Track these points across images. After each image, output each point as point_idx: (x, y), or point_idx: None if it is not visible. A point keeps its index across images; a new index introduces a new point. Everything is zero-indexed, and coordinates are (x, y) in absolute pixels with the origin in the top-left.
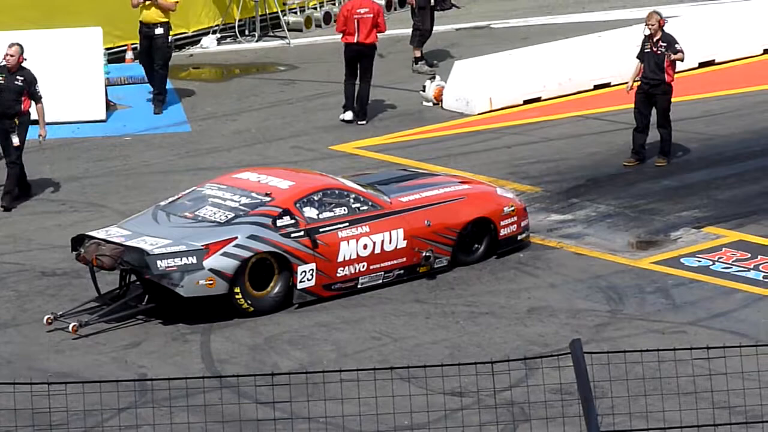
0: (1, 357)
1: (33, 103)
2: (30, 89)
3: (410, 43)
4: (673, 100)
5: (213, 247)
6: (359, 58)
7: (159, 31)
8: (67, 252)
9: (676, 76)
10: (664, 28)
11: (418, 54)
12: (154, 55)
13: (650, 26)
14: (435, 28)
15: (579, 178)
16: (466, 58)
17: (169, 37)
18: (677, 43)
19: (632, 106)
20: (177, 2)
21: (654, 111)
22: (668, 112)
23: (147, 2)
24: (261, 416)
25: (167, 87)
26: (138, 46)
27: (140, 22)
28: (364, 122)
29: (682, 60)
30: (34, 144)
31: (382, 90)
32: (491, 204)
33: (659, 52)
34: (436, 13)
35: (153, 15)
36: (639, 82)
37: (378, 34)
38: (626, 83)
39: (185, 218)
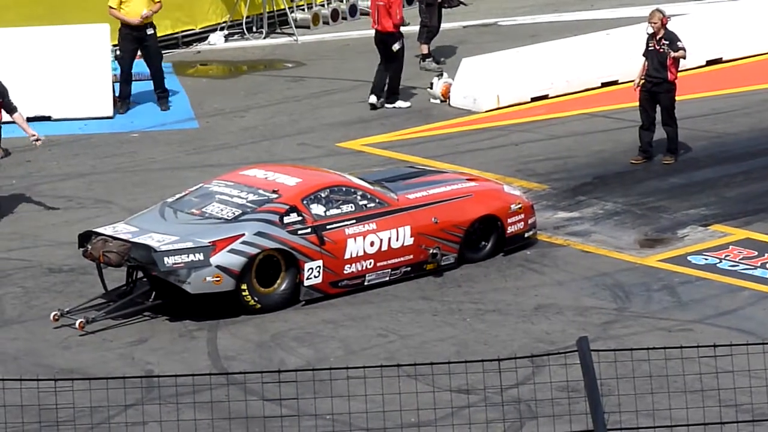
0: (8, 353)
1: (10, 114)
2: (4, 100)
3: (418, 39)
4: (680, 98)
5: (220, 243)
6: (380, 45)
7: (150, 31)
8: (74, 248)
9: (683, 74)
10: (667, 26)
11: (425, 51)
12: (151, 57)
13: (653, 24)
14: (442, 25)
15: (586, 176)
16: (473, 55)
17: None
18: (679, 40)
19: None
20: (161, 1)
21: (659, 109)
22: (673, 110)
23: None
24: (268, 413)
25: (170, 84)
26: (121, 47)
27: (125, 24)
28: (391, 105)
29: (684, 57)
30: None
31: None
32: (498, 201)
33: (662, 50)
34: (443, 10)
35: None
36: (644, 80)
37: (396, 24)
38: (633, 81)
39: (192, 215)
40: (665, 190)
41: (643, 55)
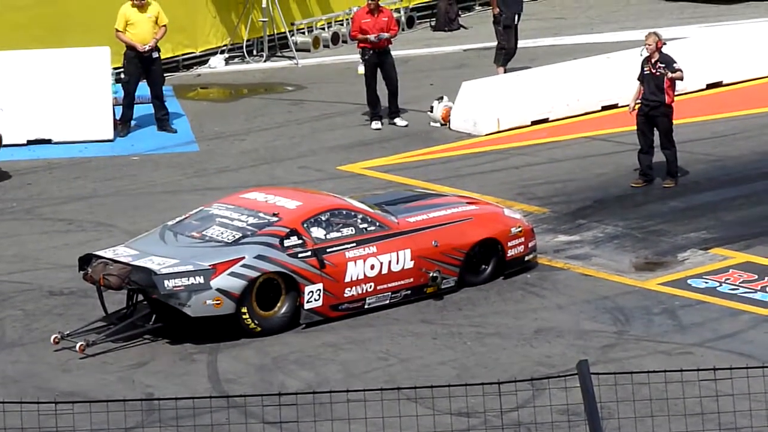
0: (9, 376)
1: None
2: None
3: (494, 62)
4: (680, 121)
5: (220, 266)
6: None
7: (156, 55)
8: (74, 271)
9: (684, 97)
10: (663, 49)
11: (501, 72)
12: (155, 80)
13: (648, 47)
14: (442, 48)
15: (586, 199)
16: (473, 78)
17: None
18: (675, 62)
19: None
20: (165, 25)
21: (657, 132)
22: (671, 134)
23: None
24: None
25: (171, 107)
26: (126, 71)
27: (132, 47)
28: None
29: (681, 79)
30: (42, 164)
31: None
32: (498, 225)
33: (658, 73)
34: (444, 33)
35: (149, 39)
36: (640, 104)
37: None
38: (628, 105)
39: (193, 238)
40: (665, 213)
41: (638, 79)
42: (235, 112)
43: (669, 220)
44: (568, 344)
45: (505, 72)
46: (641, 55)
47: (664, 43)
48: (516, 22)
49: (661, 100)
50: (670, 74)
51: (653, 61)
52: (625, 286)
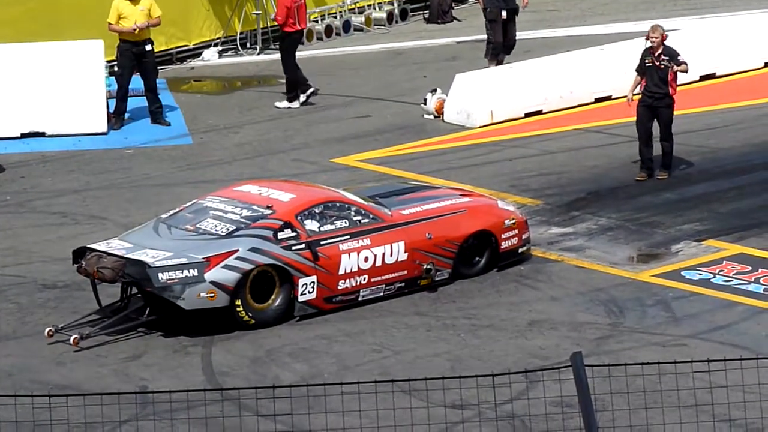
0: (2, 370)
1: None
2: None
3: (484, 56)
4: (674, 112)
5: (214, 259)
6: None
7: (148, 47)
8: (68, 264)
9: (677, 89)
10: (666, 42)
11: (491, 66)
12: (148, 72)
13: (653, 39)
14: (435, 41)
15: (580, 191)
16: (467, 70)
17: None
18: (679, 55)
19: (633, 119)
20: (159, 16)
21: (656, 124)
22: (671, 126)
23: (140, 31)
24: (262, 429)
25: (165, 100)
26: (119, 63)
27: (125, 39)
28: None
29: (686, 71)
30: (36, 157)
31: (384, 103)
32: (492, 217)
33: (662, 66)
34: (437, 26)
35: (144, 31)
36: (639, 96)
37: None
38: (626, 96)
39: (186, 231)
40: (659, 205)
41: (637, 70)
42: (228, 104)
43: (662, 212)
44: (562, 336)
45: (497, 65)
46: (646, 47)
47: (667, 36)
48: (507, 17)
49: (665, 91)
50: (675, 67)
51: (657, 53)
52: (619, 278)
